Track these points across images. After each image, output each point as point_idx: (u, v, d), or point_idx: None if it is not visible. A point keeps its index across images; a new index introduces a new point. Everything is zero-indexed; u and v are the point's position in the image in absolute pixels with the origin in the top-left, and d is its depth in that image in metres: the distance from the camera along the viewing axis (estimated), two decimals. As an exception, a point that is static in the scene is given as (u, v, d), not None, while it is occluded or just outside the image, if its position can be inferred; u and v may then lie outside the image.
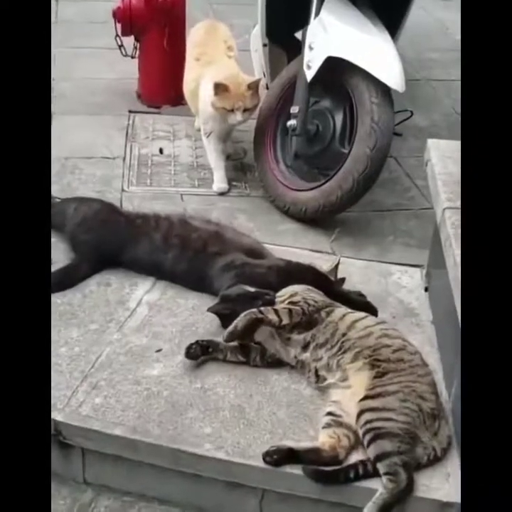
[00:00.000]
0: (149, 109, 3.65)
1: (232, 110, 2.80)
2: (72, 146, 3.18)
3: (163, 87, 3.64)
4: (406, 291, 2.40)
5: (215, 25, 3.17)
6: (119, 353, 2.04)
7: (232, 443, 1.78)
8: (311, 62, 2.66)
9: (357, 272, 2.48)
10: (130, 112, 3.59)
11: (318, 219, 2.75)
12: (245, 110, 2.81)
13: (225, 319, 2.06)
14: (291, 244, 2.63)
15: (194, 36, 3.18)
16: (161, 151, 3.28)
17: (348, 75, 2.61)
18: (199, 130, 3.22)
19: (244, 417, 1.86)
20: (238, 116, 2.81)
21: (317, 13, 2.69)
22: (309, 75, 2.67)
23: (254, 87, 2.81)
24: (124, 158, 3.16)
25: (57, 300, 2.22)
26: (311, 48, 2.67)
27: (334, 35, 2.62)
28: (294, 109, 2.73)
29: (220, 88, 2.77)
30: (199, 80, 2.98)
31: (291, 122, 2.74)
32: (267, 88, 3.14)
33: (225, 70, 2.89)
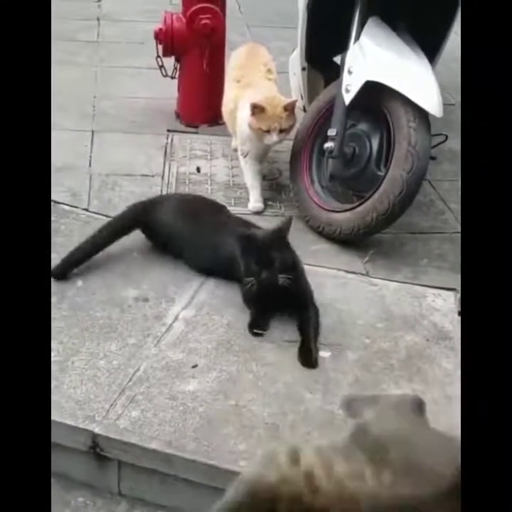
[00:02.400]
0: (188, 128, 3.67)
1: (268, 131, 2.82)
2: (112, 164, 3.21)
3: (201, 108, 3.66)
4: (440, 315, 2.39)
5: (256, 48, 3.20)
6: (156, 367, 2.05)
7: (266, 461, 1.77)
8: (350, 86, 2.67)
9: (390, 294, 2.47)
10: (169, 130, 3.61)
11: (352, 240, 2.74)
12: (281, 131, 2.82)
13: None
14: (324, 264, 2.62)
15: (235, 58, 3.21)
16: (198, 169, 3.30)
17: (386, 99, 2.61)
18: (236, 150, 3.23)
19: (279, 435, 1.85)
20: (274, 137, 2.83)
21: (357, 38, 2.70)
22: (348, 98, 2.68)
23: (290, 108, 2.82)
24: (163, 176, 3.18)
25: (97, 314, 2.25)
26: (350, 72, 2.68)
27: (373, 59, 2.62)
28: (332, 132, 2.73)
29: (256, 109, 2.79)
30: (238, 100, 3.00)
31: (328, 144, 2.74)
32: (305, 110, 3.15)
33: (263, 92, 2.91)
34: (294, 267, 2.27)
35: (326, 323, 2.29)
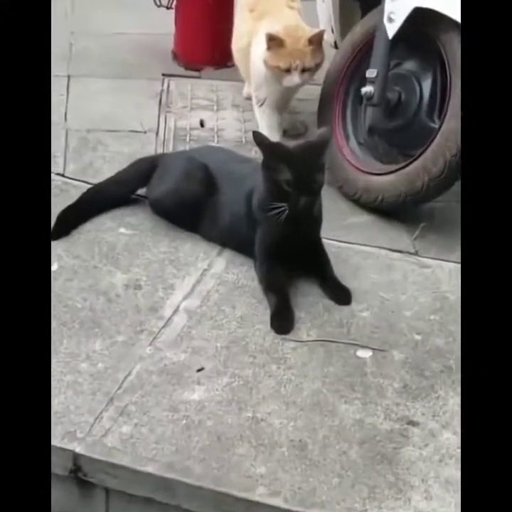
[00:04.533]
0: (188, 72, 3.68)
1: (288, 70, 2.82)
2: (94, 117, 3.20)
3: (205, 45, 3.66)
4: (509, 304, 2.37)
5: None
6: (151, 371, 2.06)
7: (291, 487, 1.78)
8: (394, 13, 2.65)
9: (445, 277, 2.47)
10: (164, 75, 3.62)
11: (397, 210, 2.73)
12: (304, 70, 2.83)
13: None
14: (363, 242, 2.62)
15: (247, -17, 3.20)
16: (201, 123, 3.29)
17: (441, 30, 2.58)
18: (249, 98, 3.22)
19: (307, 455, 1.85)
20: (295, 78, 2.83)
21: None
22: (391, 29, 2.66)
23: (316, 41, 2.82)
24: (157, 132, 3.17)
25: (77, 305, 2.26)
26: (394, -4, 2.66)
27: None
28: (371, 73, 2.72)
29: (273, 41, 2.80)
30: (252, 35, 3.01)
31: (367, 89, 2.73)
32: (336, 47, 3.13)
33: (282, 22, 2.91)
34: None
35: (365, 316, 2.29)
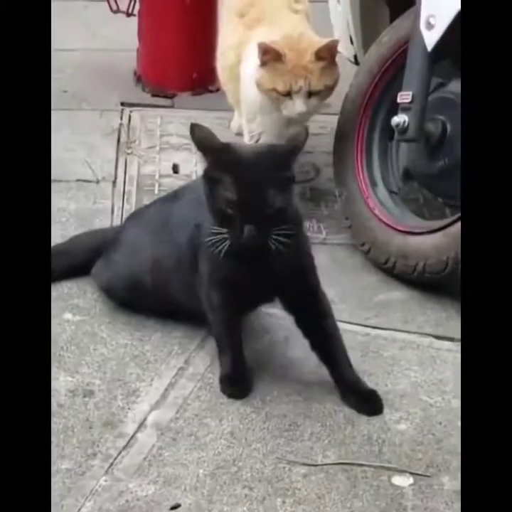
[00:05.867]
0: (156, 99, 3.76)
1: (288, 94, 2.84)
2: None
3: (179, 63, 3.76)
4: None
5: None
6: (109, 510, 2.05)
7: None
8: (434, 17, 2.69)
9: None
10: (123, 104, 3.70)
11: (446, 282, 2.76)
12: (311, 94, 2.86)
13: None
14: (399, 327, 2.64)
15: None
16: (175, 169, 3.35)
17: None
18: (240, 134, 3.27)
19: None
20: (298, 105, 2.85)
21: None
22: (430, 38, 2.70)
23: (327, 55, 2.85)
24: (115, 182, 3.24)
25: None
26: (433, -5, 2.71)
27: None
28: (404, 97, 2.75)
29: (269, 56, 2.82)
30: (242, 48, 3.05)
31: (399, 119, 2.76)
32: (356, 62, 3.21)
33: (282, 29, 2.94)
34: (296, 219, 2.30)
35: (403, 429, 2.30)
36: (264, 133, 3.02)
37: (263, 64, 2.84)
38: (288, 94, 2.84)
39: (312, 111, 2.93)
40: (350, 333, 2.47)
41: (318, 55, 2.84)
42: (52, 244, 2.74)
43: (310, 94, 2.85)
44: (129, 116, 3.62)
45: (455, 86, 2.83)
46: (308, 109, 2.88)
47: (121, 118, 3.61)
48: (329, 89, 2.91)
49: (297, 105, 2.84)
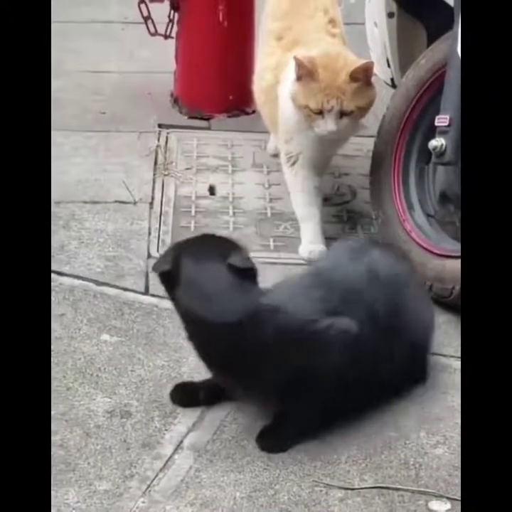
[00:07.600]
0: (192, 121, 3.76)
1: (320, 112, 2.84)
2: (66, 184, 3.28)
3: (216, 85, 3.76)
4: None
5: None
6: (145, 532, 2.06)
7: None
8: (473, 41, 2.70)
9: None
10: (161, 126, 3.70)
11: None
12: (343, 115, 2.85)
13: None
14: (435, 351, 2.62)
15: (273, 3, 3.26)
16: (211, 190, 3.35)
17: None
18: (276, 155, 3.27)
19: None
20: (330, 124, 2.83)
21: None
22: (469, 62, 2.71)
23: (361, 76, 2.84)
24: (152, 203, 3.24)
25: (43, 439, 2.26)
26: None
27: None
28: (442, 120, 2.75)
29: (304, 70, 2.81)
30: (280, 70, 3.05)
31: (437, 142, 2.76)
32: (393, 85, 3.20)
33: (320, 50, 2.94)
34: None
35: (440, 453, 2.29)
36: (301, 154, 3.01)
37: (299, 79, 2.84)
38: (320, 113, 2.83)
39: (344, 131, 2.90)
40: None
41: (353, 76, 2.82)
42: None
43: (342, 114, 2.84)
44: (166, 138, 3.63)
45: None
46: (339, 129, 2.86)
47: (159, 139, 3.61)
48: (362, 111, 2.89)
49: (328, 124, 2.83)
